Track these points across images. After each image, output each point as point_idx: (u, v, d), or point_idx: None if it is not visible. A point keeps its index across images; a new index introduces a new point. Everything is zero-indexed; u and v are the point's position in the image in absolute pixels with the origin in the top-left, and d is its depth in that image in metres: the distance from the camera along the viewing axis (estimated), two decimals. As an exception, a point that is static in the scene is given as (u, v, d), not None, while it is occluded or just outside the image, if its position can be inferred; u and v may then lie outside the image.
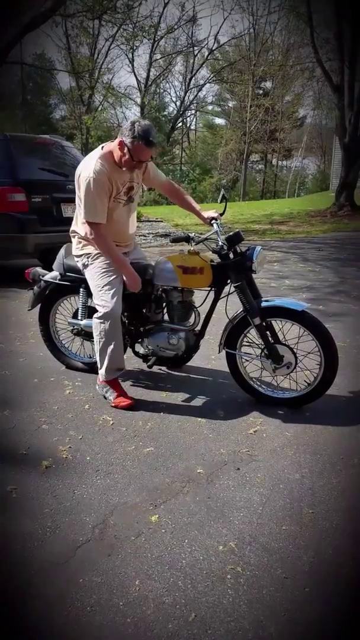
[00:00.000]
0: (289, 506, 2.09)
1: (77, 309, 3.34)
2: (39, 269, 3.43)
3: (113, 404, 2.97)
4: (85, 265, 3.01)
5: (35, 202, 5.82)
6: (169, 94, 34.88)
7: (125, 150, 2.71)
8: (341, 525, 1.97)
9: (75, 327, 3.33)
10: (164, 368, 3.50)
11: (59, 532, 1.93)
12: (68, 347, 3.57)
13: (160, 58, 32.00)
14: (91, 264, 2.96)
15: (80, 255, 3.03)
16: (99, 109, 29.13)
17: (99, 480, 2.26)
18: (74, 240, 3.09)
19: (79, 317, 3.30)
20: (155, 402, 3.03)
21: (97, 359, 3.00)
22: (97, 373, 3.38)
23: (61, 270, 3.26)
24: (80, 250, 3.04)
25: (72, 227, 3.08)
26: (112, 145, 2.80)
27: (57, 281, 3.31)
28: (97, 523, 1.98)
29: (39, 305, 3.44)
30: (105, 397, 3.04)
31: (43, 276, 3.37)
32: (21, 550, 1.83)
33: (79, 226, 3.01)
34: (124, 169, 2.80)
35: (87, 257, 2.99)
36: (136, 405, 2.98)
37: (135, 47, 27.57)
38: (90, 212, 2.77)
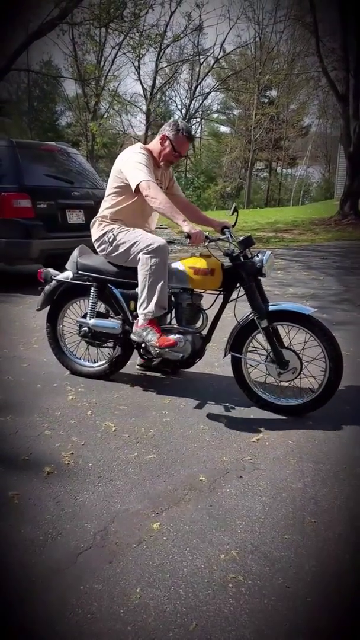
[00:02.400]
0: (292, 515, 2.08)
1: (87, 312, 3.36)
2: (52, 270, 3.45)
3: (157, 344, 2.90)
4: (109, 241, 3.11)
5: (40, 208, 5.85)
6: (175, 101, 35.04)
7: (167, 143, 3.06)
8: (344, 535, 1.96)
9: (84, 326, 3.33)
10: (165, 374, 3.51)
11: (60, 538, 1.92)
12: (73, 351, 3.57)
13: (166, 66, 32.23)
14: (119, 232, 3.08)
15: (103, 235, 3.14)
16: (105, 116, 29.35)
17: (101, 486, 2.25)
18: (95, 226, 3.23)
19: (88, 318, 3.31)
20: (158, 409, 3.03)
21: (145, 296, 2.94)
22: (100, 379, 3.40)
23: (74, 269, 3.29)
24: (101, 230, 3.16)
25: (95, 217, 3.25)
26: (149, 145, 3.15)
27: (69, 280, 3.32)
28: (99, 530, 1.97)
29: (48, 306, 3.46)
30: (145, 342, 2.97)
31: (55, 276, 3.39)
32: (22, 556, 1.83)
33: (103, 211, 3.20)
34: (161, 163, 3.11)
35: (111, 231, 3.11)
36: (139, 412, 2.98)
37: (141, 56, 27.76)
38: (142, 173, 2.91)
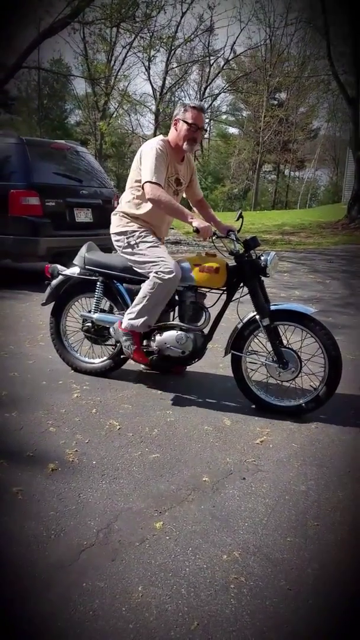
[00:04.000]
0: (294, 518, 2.08)
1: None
2: (59, 265, 3.47)
3: (132, 356, 3.13)
4: (129, 244, 3.11)
5: (49, 206, 5.86)
6: (186, 99, 34.91)
7: (180, 123, 3.03)
8: (346, 539, 1.96)
9: (87, 320, 3.35)
10: (170, 375, 3.52)
11: (63, 535, 1.93)
12: (75, 348, 3.58)
13: (177, 66, 32.18)
14: (141, 241, 3.09)
15: (124, 233, 3.14)
16: (114, 115, 29.36)
17: (104, 484, 2.26)
18: (116, 220, 3.23)
19: (92, 312, 3.33)
20: (162, 409, 3.04)
21: (137, 308, 3.03)
22: (102, 376, 3.41)
23: (81, 263, 3.31)
24: (122, 227, 3.16)
25: (116, 210, 3.26)
26: (169, 136, 3.12)
27: (75, 275, 3.34)
28: (102, 527, 1.98)
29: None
30: (122, 345, 3.14)
31: (62, 271, 3.41)
32: (25, 552, 1.84)
33: (123, 204, 3.20)
34: (184, 145, 3.05)
35: (133, 236, 3.11)
36: (143, 411, 2.99)
37: (152, 57, 27.83)
38: (150, 173, 2.93)
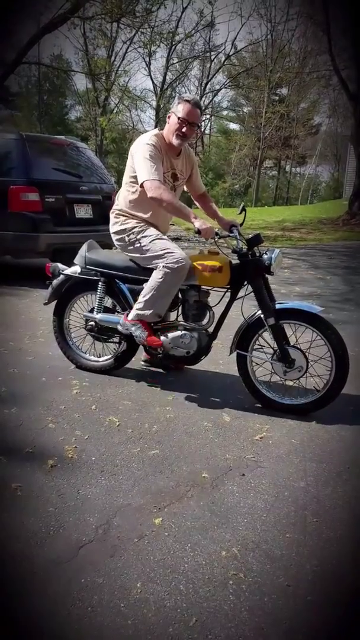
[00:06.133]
0: (294, 514, 2.08)
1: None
2: (60, 264, 3.46)
3: (145, 342, 3.07)
4: (130, 242, 3.08)
5: (48, 202, 5.85)
6: (181, 95, 34.83)
7: (173, 116, 2.95)
8: (345, 535, 1.96)
9: (90, 321, 3.34)
10: (170, 372, 3.51)
11: (62, 531, 1.93)
12: (79, 345, 3.58)
13: (177, 62, 32.11)
14: (140, 237, 3.04)
15: (123, 231, 3.11)
16: (115, 111, 29.28)
17: (103, 480, 2.26)
18: (113, 218, 3.20)
19: (95, 312, 3.32)
20: (162, 405, 3.03)
21: (146, 299, 2.99)
22: (104, 374, 3.41)
23: (82, 263, 3.30)
24: (120, 225, 3.13)
25: (114, 207, 3.22)
26: (163, 131, 3.04)
27: (77, 275, 3.33)
28: (101, 524, 1.98)
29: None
30: (132, 335, 3.10)
31: (63, 271, 3.40)
32: (24, 548, 1.84)
33: (120, 201, 3.15)
34: (175, 140, 2.97)
35: (132, 232, 3.07)
36: (142, 407, 2.99)
37: (153, 53, 27.73)
38: (147, 172, 2.88)
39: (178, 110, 2.92)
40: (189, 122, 2.93)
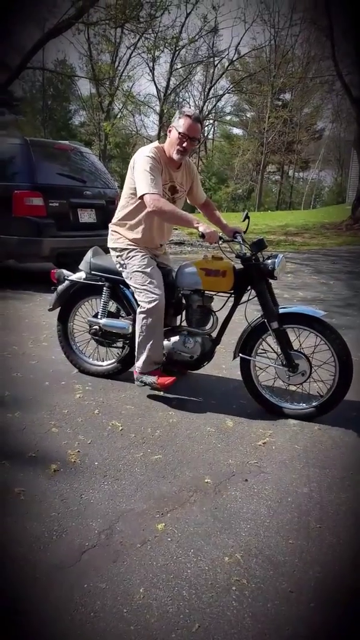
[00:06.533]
0: (297, 520, 2.07)
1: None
2: (65, 270, 3.47)
3: (158, 385, 3.06)
4: (120, 263, 3.11)
5: (52, 206, 5.87)
6: (188, 103, 34.78)
7: (174, 131, 2.95)
8: (348, 541, 1.95)
9: (94, 325, 3.35)
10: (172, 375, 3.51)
11: (65, 536, 1.93)
12: (82, 350, 3.58)
13: (181, 67, 32.19)
14: (128, 262, 3.06)
15: (115, 249, 3.15)
16: (118, 116, 29.34)
17: (106, 485, 2.26)
18: (110, 233, 3.22)
19: (99, 317, 3.33)
20: (165, 410, 3.04)
21: (136, 352, 3.05)
22: (108, 378, 3.42)
23: (87, 269, 3.31)
24: (114, 243, 3.17)
25: (112, 221, 3.23)
26: (164, 144, 3.04)
27: (82, 280, 3.35)
28: (104, 529, 1.98)
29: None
30: (145, 384, 3.11)
31: (68, 277, 3.41)
32: (27, 552, 1.84)
33: (117, 215, 3.18)
34: (175, 155, 2.97)
35: (122, 254, 3.10)
36: (145, 412, 2.99)
37: (157, 58, 27.83)
38: (147, 185, 2.87)
39: (179, 125, 2.92)
40: (189, 137, 2.93)
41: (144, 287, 2.96)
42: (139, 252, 3.07)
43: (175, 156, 2.97)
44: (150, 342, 2.99)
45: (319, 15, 17.39)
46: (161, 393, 3.26)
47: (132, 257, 3.05)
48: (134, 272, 3.02)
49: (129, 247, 3.08)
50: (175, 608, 1.62)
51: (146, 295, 2.94)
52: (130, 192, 3.05)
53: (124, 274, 3.10)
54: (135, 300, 3.17)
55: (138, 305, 3.00)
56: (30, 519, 2.01)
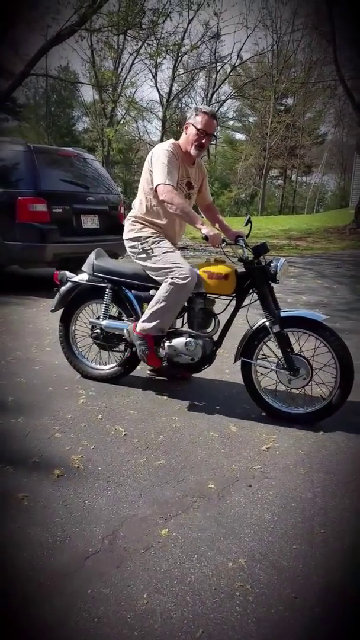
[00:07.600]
0: (301, 525, 2.07)
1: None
2: (67, 272, 3.49)
3: (146, 359, 3.16)
4: (143, 250, 3.12)
5: (56, 212, 5.90)
6: (191, 108, 35.01)
7: (190, 127, 3.05)
8: (353, 547, 1.94)
9: (96, 327, 3.36)
10: (175, 381, 3.51)
11: (68, 541, 1.93)
12: (84, 354, 3.59)
13: (183, 73, 32.33)
14: (155, 247, 3.09)
15: (138, 238, 3.15)
16: (121, 122, 29.45)
17: (110, 491, 2.26)
18: (128, 225, 3.25)
19: (101, 319, 3.34)
20: (168, 415, 3.03)
21: (151, 312, 3.04)
22: (110, 382, 3.42)
23: (90, 270, 3.33)
24: (136, 232, 3.18)
25: (129, 215, 3.27)
26: (180, 140, 3.14)
27: (84, 282, 3.36)
28: (107, 534, 1.98)
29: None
30: (137, 349, 3.16)
31: (71, 278, 3.43)
32: (30, 558, 1.84)
33: (137, 208, 3.21)
34: (192, 150, 3.07)
35: (147, 241, 3.11)
36: (149, 417, 2.99)
37: (159, 64, 27.97)
38: (163, 176, 2.95)
39: (197, 121, 3.02)
40: (207, 133, 3.04)
41: (178, 264, 2.98)
42: (165, 238, 3.14)
43: (193, 152, 3.08)
44: (168, 314, 3.03)
45: (321, 20, 17.45)
46: (164, 398, 3.26)
47: (160, 241, 3.10)
48: (164, 253, 3.05)
49: (154, 234, 3.13)
50: (179, 614, 1.61)
51: (180, 272, 2.94)
52: (150, 187, 3.11)
53: (148, 263, 3.10)
54: (138, 302, 3.19)
55: (166, 282, 2.97)
56: (34, 525, 2.01)
